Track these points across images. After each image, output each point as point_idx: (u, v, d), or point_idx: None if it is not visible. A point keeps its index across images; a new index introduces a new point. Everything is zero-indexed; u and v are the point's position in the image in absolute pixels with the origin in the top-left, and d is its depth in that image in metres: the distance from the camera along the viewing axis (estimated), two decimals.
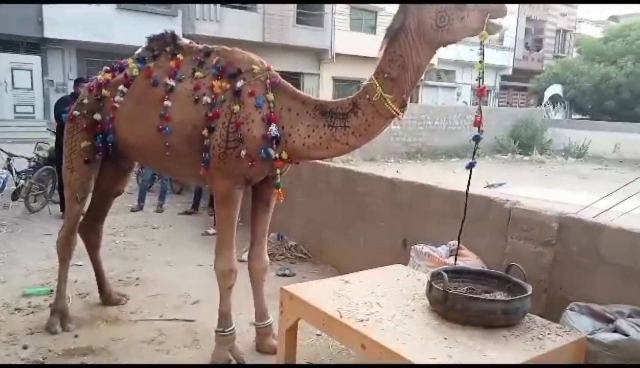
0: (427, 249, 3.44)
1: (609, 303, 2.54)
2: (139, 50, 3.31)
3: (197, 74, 2.98)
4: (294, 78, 21.67)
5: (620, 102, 23.26)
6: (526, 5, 29.66)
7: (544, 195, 11.11)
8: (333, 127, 2.74)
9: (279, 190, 2.90)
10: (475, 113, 2.55)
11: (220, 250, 3.04)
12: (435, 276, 2.51)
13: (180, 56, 3.09)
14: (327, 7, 22.45)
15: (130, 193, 8.03)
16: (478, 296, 2.42)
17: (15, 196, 7.02)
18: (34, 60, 17.67)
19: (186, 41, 3.21)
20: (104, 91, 3.21)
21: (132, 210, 7.46)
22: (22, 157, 7.50)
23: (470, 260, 3.33)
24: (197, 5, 19.47)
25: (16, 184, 7.07)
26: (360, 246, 4.60)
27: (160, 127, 2.94)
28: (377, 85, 2.58)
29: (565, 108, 26.16)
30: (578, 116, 26.23)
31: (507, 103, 30.73)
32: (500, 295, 2.51)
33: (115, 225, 6.49)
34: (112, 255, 5.29)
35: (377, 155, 17.56)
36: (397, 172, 14.15)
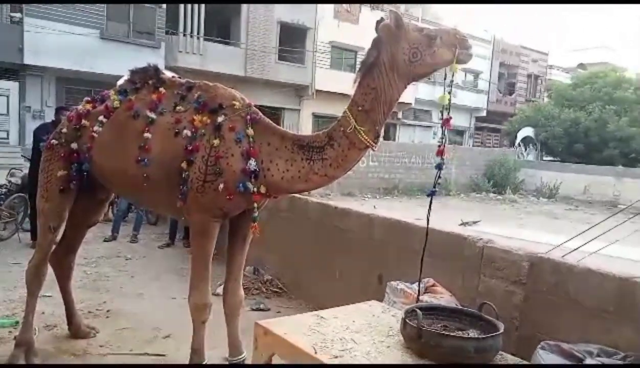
0: (402, 286, 3.47)
1: (578, 342, 2.59)
2: (121, 82, 3.34)
3: (179, 107, 3.02)
4: (275, 113, 21.92)
5: (589, 146, 24.09)
6: (499, 51, 30.87)
7: (517, 234, 11.32)
8: (311, 160, 2.80)
9: (255, 224, 2.91)
10: (438, 142, 2.65)
11: (195, 283, 3.01)
12: (410, 313, 2.53)
13: (162, 90, 3.12)
14: (309, 45, 22.98)
15: (106, 222, 7.91)
16: (451, 333, 2.44)
17: None
18: (12, 86, 17.51)
19: (169, 75, 3.26)
20: (83, 121, 3.21)
21: (106, 240, 7.33)
22: None
23: (444, 298, 3.36)
24: (181, 38, 19.73)
25: None
26: (336, 281, 4.60)
27: (139, 158, 2.95)
28: (351, 117, 2.67)
29: (537, 150, 26.95)
30: (549, 158, 27.01)
31: (482, 143, 31.55)
32: (473, 333, 2.54)
33: (87, 255, 6.36)
34: (83, 286, 5.17)
35: (355, 190, 17.73)
36: (374, 207, 14.34)
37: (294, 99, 23.84)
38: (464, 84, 30.23)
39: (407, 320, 2.46)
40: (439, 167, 2.65)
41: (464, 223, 12.90)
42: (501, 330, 2.40)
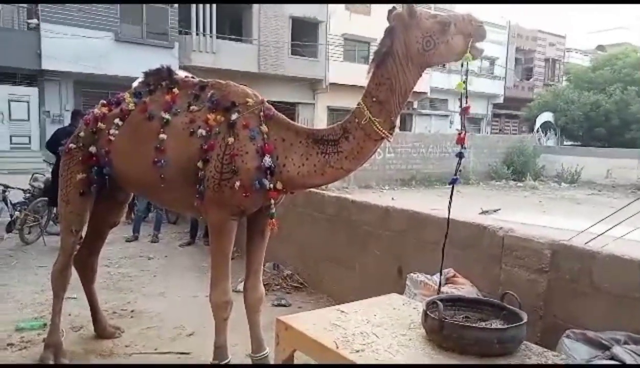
0: (422, 278, 3.44)
1: (603, 329, 2.54)
2: (135, 84, 3.37)
3: (193, 107, 3.04)
4: (290, 108, 21.95)
5: (610, 129, 23.60)
6: (515, 36, 30.35)
7: (538, 221, 11.16)
8: (326, 154, 2.79)
9: (273, 220, 2.91)
10: (457, 130, 2.61)
11: (216, 281, 3.04)
12: (431, 305, 2.51)
13: (176, 90, 3.14)
14: (322, 38, 22.90)
15: (128, 223, 8.03)
16: (473, 324, 2.42)
17: (9, 228, 6.99)
18: (31, 92, 17.85)
19: (182, 75, 3.28)
20: (100, 124, 3.26)
21: (128, 241, 7.43)
22: (17, 188, 7.49)
23: (465, 288, 3.34)
24: (194, 37, 19.83)
25: (11, 215, 7.04)
26: (355, 275, 4.59)
27: (156, 159, 2.97)
28: (366, 108, 2.65)
29: (556, 135, 26.50)
30: (569, 143, 26.55)
31: (500, 130, 31.14)
32: (495, 324, 2.51)
33: (110, 256, 6.46)
34: (107, 287, 5.26)
35: (372, 183, 17.67)
36: (393, 199, 14.28)
37: (308, 93, 23.82)
38: (480, 70, 29.86)
39: (428, 312, 2.44)
40: (460, 155, 2.60)
41: (484, 212, 12.77)
42: (524, 320, 2.36)
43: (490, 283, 3.25)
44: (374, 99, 2.65)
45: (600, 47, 35.73)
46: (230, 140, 2.85)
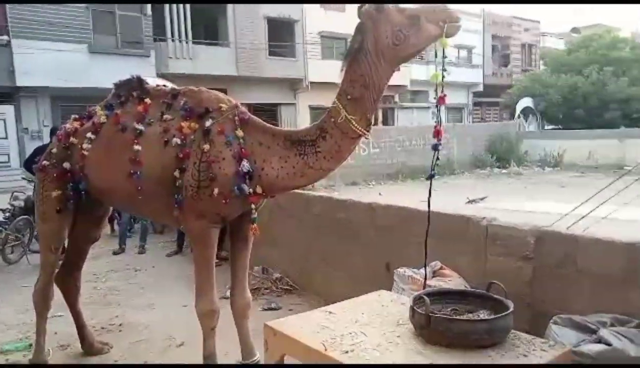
0: (409, 272, 3.44)
1: (590, 313, 2.56)
2: (108, 97, 3.31)
3: (166, 116, 2.99)
4: (271, 109, 21.88)
5: (589, 110, 23.89)
6: (490, 24, 30.58)
7: (524, 206, 11.26)
8: (304, 155, 2.76)
9: (255, 225, 2.88)
10: (435, 122, 2.60)
11: (200, 290, 3.00)
12: (418, 300, 2.50)
13: (147, 100, 3.09)
14: (299, 38, 22.84)
15: (114, 236, 7.93)
16: (460, 317, 2.41)
17: None
18: (7, 110, 17.49)
19: (153, 84, 3.23)
20: (72, 139, 3.20)
21: (115, 254, 7.34)
22: None
23: (452, 280, 3.33)
24: (170, 44, 19.64)
25: None
26: (344, 273, 4.58)
27: (132, 171, 2.93)
28: (341, 107, 2.62)
29: (537, 120, 26.76)
30: (551, 127, 26.83)
31: (481, 119, 31.38)
32: (483, 314, 2.50)
33: (97, 270, 6.38)
34: (94, 302, 5.18)
35: (359, 179, 17.67)
36: (380, 194, 14.30)
37: (289, 93, 23.74)
38: (457, 60, 30.00)
39: (415, 308, 2.43)
40: (435, 147, 2.60)
41: (470, 201, 12.84)
42: (511, 309, 2.36)
43: (477, 273, 3.25)
44: (349, 97, 2.63)
45: (575, 30, 36.18)
46: (206, 147, 2.81)
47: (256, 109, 21.77)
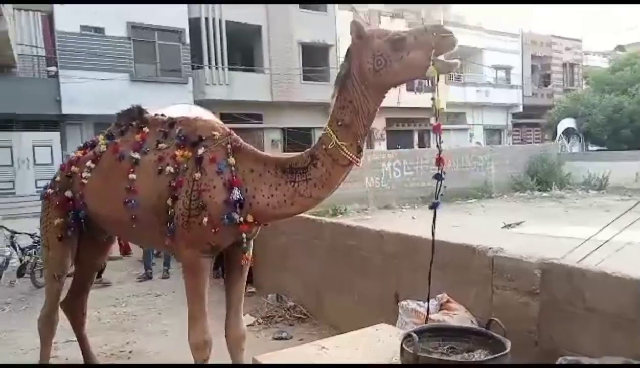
0: (413, 305, 3.28)
1: (600, 354, 2.34)
2: (110, 127, 3.37)
3: (161, 145, 3.01)
4: (305, 133, 21.99)
5: (636, 130, 22.85)
6: (529, 43, 29.93)
7: (563, 232, 10.75)
8: (295, 182, 2.71)
9: (246, 254, 2.82)
10: (437, 151, 2.51)
11: (192, 321, 2.96)
12: (407, 338, 2.36)
13: (145, 129, 3.12)
14: (332, 62, 23.03)
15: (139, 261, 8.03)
16: (449, 359, 2.26)
17: (20, 272, 7.07)
18: (54, 137, 18.35)
19: (152, 114, 3.25)
20: (73, 168, 3.25)
21: (139, 279, 7.40)
22: (25, 233, 7.58)
23: (458, 314, 3.16)
24: (207, 71, 20.17)
25: (21, 260, 7.13)
26: (355, 303, 4.44)
27: (127, 200, 2.94)
28: (332, 133, 2.57)
29: (580, 141, 25.77)
30: (595, 148, 25.76)
31: (522, 140, 30.48)
32: (479, 354, 2.34)
33: (119, 295, 6.48)
34: (111, 327, 5.23)
35: (392, 202, 17.43)
36: (413, 218, 14.01)
37: (322, 117, 23.71)
38: (495, 81, 29.45)
39: (405, 346, 2.29)
40: (437, 177, 2.49)
41: (506, 226, 12.38)
42: (507, 350, 2.19)
43: (483, 307, 3.06)
44: (339, 123, 2.58)
45: (620, 48, 34.92)
46: (197, 175, 2.79)
47: (290, 132, 22.01)
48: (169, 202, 2.83)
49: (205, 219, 2.72)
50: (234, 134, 2.97)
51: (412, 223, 12.53)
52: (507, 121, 30.17)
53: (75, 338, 4.39)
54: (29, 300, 6.48)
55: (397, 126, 25.51)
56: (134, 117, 3.22)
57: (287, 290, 5.44)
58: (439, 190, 2.64)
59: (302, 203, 2.74)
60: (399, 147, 22.48)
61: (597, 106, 23.73)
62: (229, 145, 2.87)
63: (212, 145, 2.87)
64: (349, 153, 2.57)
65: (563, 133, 25.10)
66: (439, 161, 2.56)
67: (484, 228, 11.96)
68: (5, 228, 7.40)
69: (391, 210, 16.64)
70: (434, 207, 2.63)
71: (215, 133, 2.92)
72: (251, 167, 2.83)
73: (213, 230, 2.74)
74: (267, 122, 22.10)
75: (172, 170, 2.86)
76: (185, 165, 2.86)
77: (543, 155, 21.07)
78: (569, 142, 25.41)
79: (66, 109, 17.81)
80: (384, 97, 2.60)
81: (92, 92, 17.49)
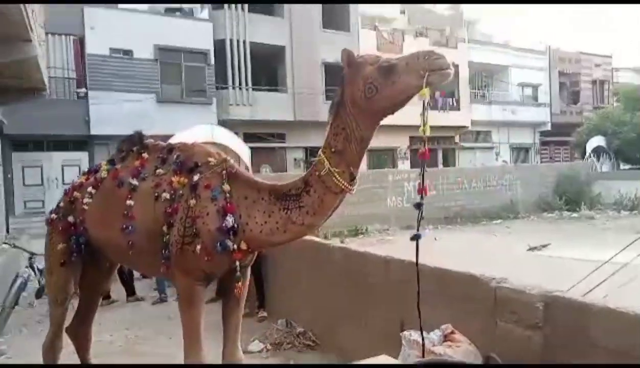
0: (415, 336, 3.17)
1: None
2: (113, 153, 3.42)
3: (159, 171, 3.02)
4: None
5: None
6: (556, 60, 29.46)
7: (591, 255, 10.37)
8: (288, 210, 2.67)
9: (239, 284, 2.79)
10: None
11: (188, 350, 2.94)
12: None
13: (145, 155, 3.15)
14: None
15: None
16: None
17: (39, 294, 7.16)
18: (82, 156, 18.87)
19: (152, 140, 3.28)
20: (75, 193, 3.30)
21: (154, 303, 7.40)
22: (42, 254, 7.69)
23: (462, 347, 3.03)
24: (230, 91, 20.50)
25: (39, 281, 7.24)
26: (362, 330, 4.34)
27: (124, 226, 2.95)
28: (325, 159, 2.54)
29: (611, 159, 25.04)
30: (627, 166, 24.97)
31: (550, 158, 29.84)
32: None
33: (133, 318, 6.50)
34: (121, 352, 5.25)
35: (415, 222, 17.15)
36: (435, 239, 13.77)
37: None
38: (522, 98, 29.02)
39: None
40: (417, 206, 2.44)
41: (531, 248, 12.03)
42: None
43: (487, 339, 2.93)
44: (333, 150, 2.55)
45: None
46: (192, 202, 2.78)
47: (313, 151, 22.06)
48: (165, 228, 2.83)
49: (199, 246, 2.70)
50: (230, 160, 2.96)
51: (434, 245, 12.30)
52: (535, 139, 29.63)
53: None
54: (46, 322, 6.49)
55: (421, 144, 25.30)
56: (135, 142, 3.26)
57: (297, 315, 5.37)
58: (420, 219, 2.56)
59: (294, 230, 2.70)
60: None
61: (628, 123, 23.09)
62: (224, 172, 2.86)
63: (208, 171, 2.87)
64: (341, 180, 2.53)
65: (592, 151, 24.46)
66: (423, 191, 2.48)
67: (506, 251, 11.64)
68: (24, 250, 7.54)
69: (414, 230, 16.36)
70: (415, 238, 2.58)
71: (210, 159, 2.92)
72: (245, 194, 2.80)
73: (206, 258, 2.72)
74: (289, 141, 22.25)
75: (168, 196, 2.87)
76: (181, 191, 2.86)
77: (572, 174, 20.50)
78: (598, 160, 24.70)
79: (94, 129, 18.31)
80: (378, 124, 2.56)
81: (119, 113, 17.95)
